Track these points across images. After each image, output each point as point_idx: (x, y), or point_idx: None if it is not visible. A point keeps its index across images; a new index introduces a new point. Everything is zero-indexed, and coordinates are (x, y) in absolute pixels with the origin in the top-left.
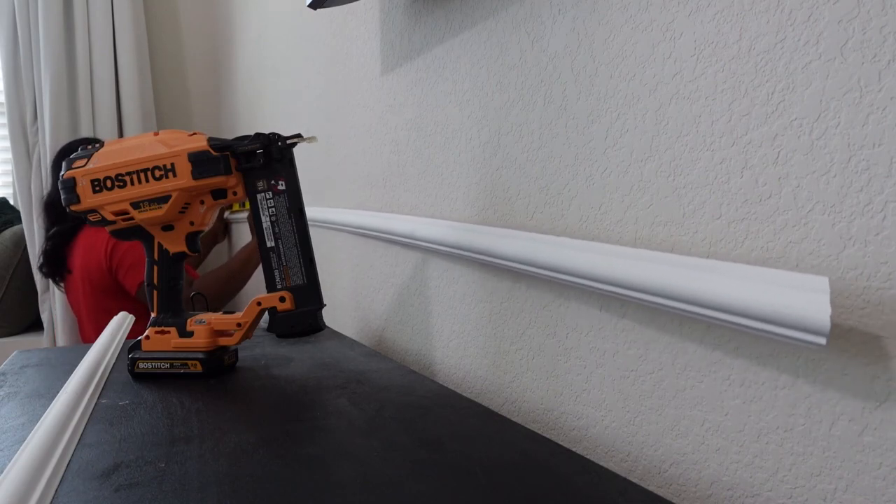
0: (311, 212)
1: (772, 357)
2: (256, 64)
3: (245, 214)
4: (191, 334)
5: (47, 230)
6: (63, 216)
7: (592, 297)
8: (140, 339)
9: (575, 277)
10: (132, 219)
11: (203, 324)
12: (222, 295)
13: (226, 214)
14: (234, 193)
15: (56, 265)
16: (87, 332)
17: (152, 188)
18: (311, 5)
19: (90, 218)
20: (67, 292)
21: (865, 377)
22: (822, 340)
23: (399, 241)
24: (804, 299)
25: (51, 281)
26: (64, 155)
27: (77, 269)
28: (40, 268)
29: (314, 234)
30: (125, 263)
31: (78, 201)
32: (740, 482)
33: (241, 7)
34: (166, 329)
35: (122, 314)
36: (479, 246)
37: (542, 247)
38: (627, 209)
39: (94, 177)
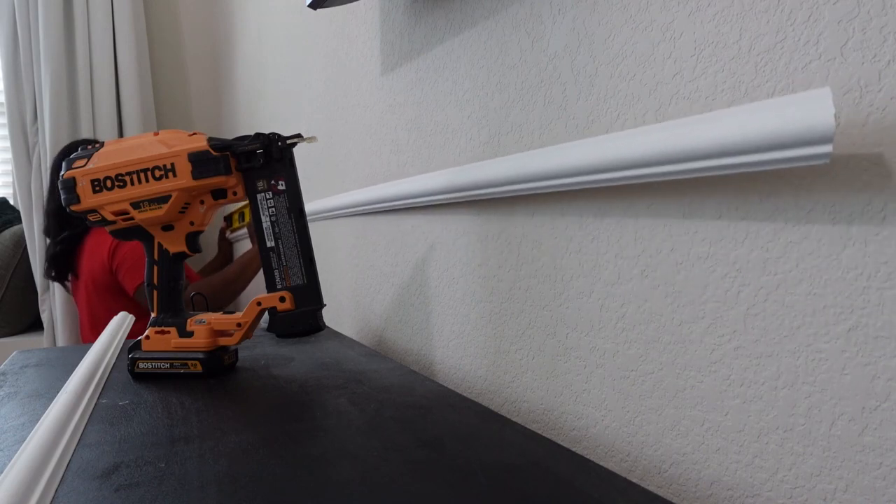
0: (310, 206)
1: (772, 357)
2: (256, 64)
3: (245, 230)
4: (191, 334)
5: (56, 235)
6: (72, 220)
7: (595, 197)
8: (140, 339)
9: (576, 177)
10: (132, 219)
11: (203, 324)
12: (216, 300)
13: (227, 234)
14: (234, 193)
15: (65, 269)
16: (87, 331)
17: (152, 188)
18: (311, 5)
19: (90, 218)
20: (74, 295)
21: (865, 376)
22: (827, 148)
23: (400, 207)
24: (805, 108)
25: (52, 281)
26: (64, 156)
27: (83, 272)
28: (48, 271)
29: (314, 229)
30: (126, 264)
31: (78, 201)
32: (740, 482)
33: (241, 7)
34: (166, 329)
35: (122, 314)
36: (476, 180)
37: (532, 160)
38: (627, 209)
39: (94, 177)
